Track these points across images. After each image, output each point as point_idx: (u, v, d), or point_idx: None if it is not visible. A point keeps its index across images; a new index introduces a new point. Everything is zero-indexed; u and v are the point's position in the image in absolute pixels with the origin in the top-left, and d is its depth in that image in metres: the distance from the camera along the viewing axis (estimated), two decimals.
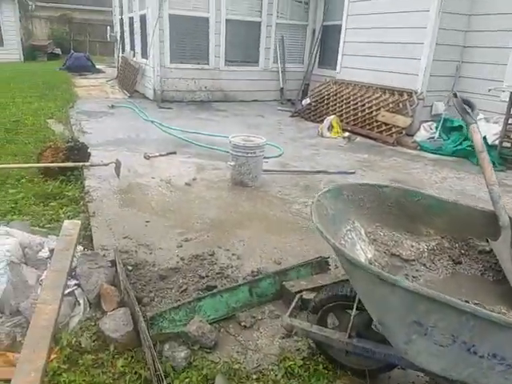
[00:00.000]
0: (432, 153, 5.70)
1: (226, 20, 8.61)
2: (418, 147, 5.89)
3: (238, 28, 8.84)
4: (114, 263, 2.38)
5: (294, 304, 2.05)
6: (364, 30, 7.22)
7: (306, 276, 2.48)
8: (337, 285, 1.95)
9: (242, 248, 2.76)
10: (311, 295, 2.15)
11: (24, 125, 5.89)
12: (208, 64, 8.79)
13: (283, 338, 2.02)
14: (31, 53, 17.80)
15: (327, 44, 9.11)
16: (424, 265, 1.92)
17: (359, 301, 1.66)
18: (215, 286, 2.31)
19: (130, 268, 2.42)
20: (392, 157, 5.45)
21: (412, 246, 1.96)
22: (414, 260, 1.92)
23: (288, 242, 2.90)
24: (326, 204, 1.73)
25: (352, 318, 1.70)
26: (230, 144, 3.94)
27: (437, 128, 6.11)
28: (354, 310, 1.69)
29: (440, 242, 1.98)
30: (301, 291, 2.25)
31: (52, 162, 3.74)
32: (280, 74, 9.48)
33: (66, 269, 2.18)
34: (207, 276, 2.40)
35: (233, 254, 2.67)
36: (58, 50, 19.06)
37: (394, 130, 6.16)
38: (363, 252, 1.85)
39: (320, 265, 2.57)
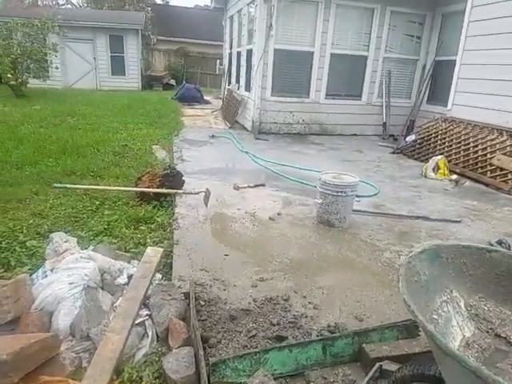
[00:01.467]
0: None
1: (331, 54, 8.58)
2: None
3: (342, 62, 8.74)
4: (187, 296, 2.34)
5: (371, 374, 1.78)
6: (482, 66, 6.59)
7: (390, 340, 2.17)
8: (425, 361, 1.63)
9: (321, 297, 2.54)
10: (393, 366, 1.86)
11: (131, 149, 6.39)
12: (308, 97, 8.81)
13: None
14: (148, 82, 19.82)
15: (438, 79, 8.60)
16: None
17: None
18: (286, 337, 2.13)
19: (202, 303, 2.36)
20: (506, 206, 4.74)
21: None
22: None
23: (374, 296, 2.59)
24: (419, 267, 1.46)
25: None
26: (320, 181, 3.77)
27: None
28: None
29: None
30: (382, 358, 1.96)
31: (148, 187, 3.96)
32: (384, 109, 9.10)
33: (140, 297, 2.20)
34: (279, 324, 2.22)
35: (309, 303, 2.46)
36: (172, 81, 20.99)
37: (510, 176, 5.40)
38: (460, 329, 1.52)
39: (408, 329, 2.23)
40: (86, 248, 2.74)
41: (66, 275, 1.99)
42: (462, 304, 1.57)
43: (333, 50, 8.56)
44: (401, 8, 8.61)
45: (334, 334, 2.10)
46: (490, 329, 1.54)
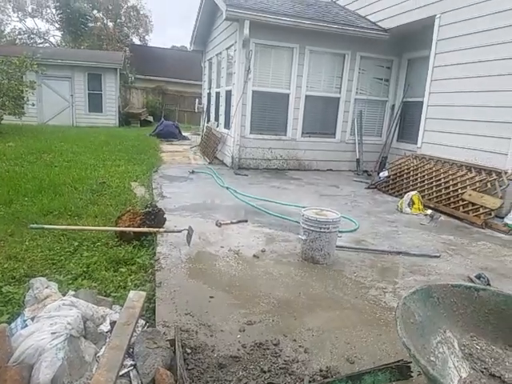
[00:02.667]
0: None
1: (306, 96, 8.98)
2: (510, 231, 5.26)
3: (316, 103, 9.15)
4: (172, 343, 2.25)
5: None
6: (448, 108, 7.00)
7: (383, 382, 2.13)
8: None
9: (311, 339, 2.49)
10: None
11: (109, 187, 6.29)
12: (285, 135, 9.07)
13: None
14: (126, 119, 19.91)
15: (407, 119, 9.09)
16: None
17: None
18: None
19: (188, 351, 2.27)
20: (481, 240, 4.89)
21: None
22: None
23: (363, 336, 2.57)
24: (413, 308, 1.48)
25: None
26: (302, 217, 3.80)
27: None
28: None
29: None
30: None
31: (128, 227, 3.88)
32: (357, 146, 9.46)
33: (124, 346, 2.10)
34: (270, 371, 2.16)
35: (300, 346, 2.41)
36: (150, 118, 21.17)
37: (481, 210, 5.62)
38: (456, 370, 1.53)
39: (401, 370, 2.20)
40: (66, 292, 2.63)
41: (48, 324, 1.88)
42: (455, 344, 1.58)
43: (308, 92, 8.96)
44: (370, 53, 9.18)
45: (327, 379, 2.05)
46: (485, 368, 1.56)
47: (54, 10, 29.29)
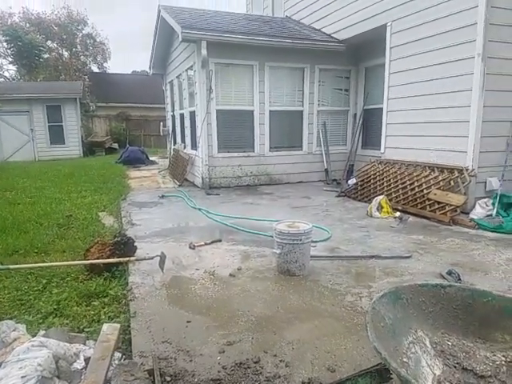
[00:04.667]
0: (492, 231, 5.24)
1: (270, 111, 9.13)
2: (476, 226, 5.46)
3: (281, 117, 9.31)
4: (151, 373, 2.20)
5: None
6: (406, 112, 7.27)
7: None
8: None
9: (291, 353, 2.48)
10: None
11: (76, 219, 6.13)
12: (253, 151, 9.15)
13: None
14: (90, 148, 19.59)
15: (369, 126, 9.35)
16: (504, 382, 1.57)
17: None
18: None
19: (168, 379, 2.22)
20: (449, 237, 5.05)
21: (487, 358, 1.64)
22: (490, 376, 1.58)
23: (342, 343, 2.59)
24: (383, 312, 1.51)
25: None
26: (275, 231, 3.82)
27: (493, 205, 5.72)
28: None
29: None
30: None
31: (98, 258, 3.78)
32: (324, 156, 9.64)
33: (100, 382, 2.03)
34: None
35: (280, 361, 2.39)
36: (115, 145, 20.92)
37: (447, 208, 5.82)
38: (430, 368, 1.56)
39: (381, 374, 2.22)
40: (36, 333, 2.53)
41: (16, 368, 1.80)
42: (427, 342, 1.62)
43: (271, 107, 9.12)
44: (328, 65, 9.45)
45: None
46: (457, 363, 1.60)
47: (5, 44, 28.63)
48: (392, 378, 2.22)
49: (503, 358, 1.61)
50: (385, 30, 7.59)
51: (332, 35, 9.30)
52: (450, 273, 3.68)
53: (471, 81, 5.90)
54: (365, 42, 8.77)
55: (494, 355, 1.63)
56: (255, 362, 2.37)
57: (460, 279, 3.61)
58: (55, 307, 3.15)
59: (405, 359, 1.43)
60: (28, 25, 29.67)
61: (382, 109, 7.98)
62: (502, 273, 3.80)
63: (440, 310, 1.71)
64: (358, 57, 9.53)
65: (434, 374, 1.51)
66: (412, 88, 7.08)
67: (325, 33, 9.56)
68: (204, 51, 7.91)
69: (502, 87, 5.91)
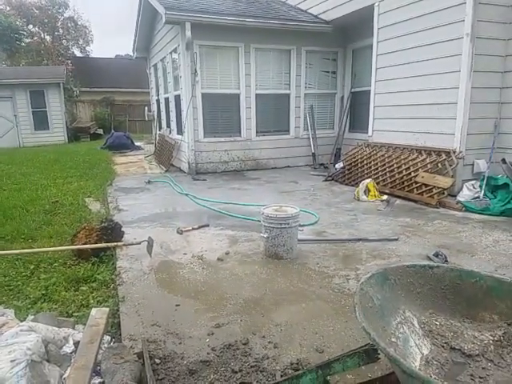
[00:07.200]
0: (479, 213, 5.32)
1: (256, 94, 9.02)
2: (463, 208, 5.54)
3: (267, 101, 9.21)
4: (141, 356, 2.20)
5: None
6: (394, 94, 7.25)
7: (352, 368, 2.17)
8: None
9: (279, 334, 2.50)
10: None
11: (62, 205, 6.04)
12: (240, 136, 9.07)
13: None
14: (75, 134, 19.26)
15: (357, 109, 9.31)
16: (491, 361, 1.60)
17: None
18: (250, 383, 2.06)
19: (157, 361, 2.22)
20: (436, 220, 5.12)
21: (475, 337, 1.67)
22: (478, 355, 1.61)
23: (330, 325, 2.62)
24: (371, 293, 1.51)
25: None
26: (263, 215, 3.82)
27: (481, 187, 5.78)
28: None
29: (507, 331, 1.67)
30: None
31: (85, 244, 3.74)
32: (311, 141, 9.61)
33: (90, 365, 2.02)
34: (241, 370, 2.15)
35: (269, 342, 2.41)
36: (100, 131, 20.58)
37: (435, 190, 5.88)
38: (418, 348, 1.58)
39: (368, 354, 2.26)
40: (25, 318, 2.50)
41: (5, 352, 1.78)
42: (415, 323, 1.64)
43: (257, 90, 9.01)
44: (315, 47, 9.33)
45: (298, 372, 2.07)
46: (445, 343, 1.62)
47: None
48: (379, 359, 2.26)
49: (491, 338, 1.63)
50: (372, 11, 7.50)
51: (319, 16, 9.17)
52: (436, 254, 3.73)
53: (459, 62, 5.86)
54: (352, 22, 8.66)
55: (482, 334, 1.65)
56: (244, 344, 2.38)
57: (447, 261, 3.66)
58: (43, 292, 3.13)
59: (393, 339, 1.45)
60: (8, 8, 28.67)
61: (369, 91, 7.95)
62: (489, 254, 3.87)
63: (428, 291, 1.72)
64: (346, 38, 9.44)
65: (422, 354, 1.53)
66: (400, 70, 7.04)
67: (311, 14, 9.42)
68: (188, 33, 7.73)
69: (490, 68, 5.90)
